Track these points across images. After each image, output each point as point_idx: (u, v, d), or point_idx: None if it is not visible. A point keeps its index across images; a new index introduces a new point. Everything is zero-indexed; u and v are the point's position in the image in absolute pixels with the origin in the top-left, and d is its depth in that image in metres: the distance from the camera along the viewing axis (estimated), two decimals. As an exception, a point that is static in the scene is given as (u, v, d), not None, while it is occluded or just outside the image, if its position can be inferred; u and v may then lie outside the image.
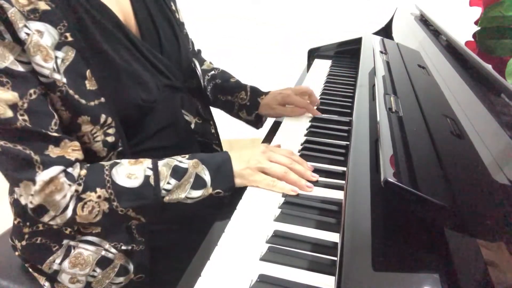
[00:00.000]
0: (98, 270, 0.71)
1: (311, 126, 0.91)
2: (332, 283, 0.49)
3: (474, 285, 0.38)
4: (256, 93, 0.98)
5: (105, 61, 0.65)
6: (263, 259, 0.53)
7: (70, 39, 0.61)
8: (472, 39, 0.91)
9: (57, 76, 0.59)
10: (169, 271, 0.78)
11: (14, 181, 0.60)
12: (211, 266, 0.53)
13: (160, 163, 0.66)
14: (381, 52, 1.00)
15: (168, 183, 0.64)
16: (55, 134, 0.60)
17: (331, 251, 0.54)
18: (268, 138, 0.88)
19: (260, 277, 0.50)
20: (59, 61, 0.60)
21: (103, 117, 0.64)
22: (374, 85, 0.83)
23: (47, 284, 0.76)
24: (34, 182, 0.59)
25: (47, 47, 0.58)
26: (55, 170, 0.60)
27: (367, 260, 0.42)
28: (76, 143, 0.63)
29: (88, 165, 0.65)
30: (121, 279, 0.73)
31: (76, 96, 0.61)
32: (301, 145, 0.83)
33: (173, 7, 0.84)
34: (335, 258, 0.52)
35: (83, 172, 0.63)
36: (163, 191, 0.64)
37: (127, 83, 0.68)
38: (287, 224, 0.60)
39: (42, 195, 0.59)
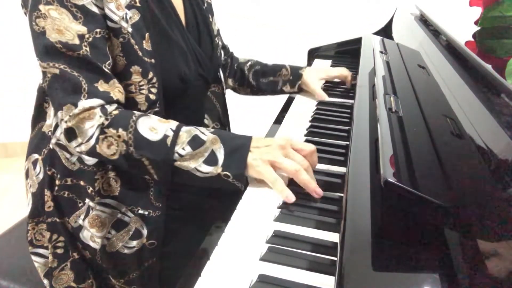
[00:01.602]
0: (113, 232, 0.76)
1: (311, 126, 0.91)
2: (332, 283, 0.49)
3: (474, 285, 0.38)
4: (296, 67, 1.11)
5: (161, 31, 0.76)
6: (263, 259, 0.53)
7: (138, 4, 0.72)
8: (472, 39, 0.91)
9: (124, 24, 0.70)
10: (180, 250, 0.81)
11: (59, 103, 0.66)
12: (211, 266, 0.53)
13: (184, 128, 0.68)
14: (381, 52, 1.00)
15: (183, 149, 0.66)
16: (108, 71, 0.68)
17: (331, 251, 0.54)
18: (268, 138, 0.88)
19: (260, 277, 0.50)
20: (128, 16, 0.70)
21: (151, 74, 0.73)
22: (374, 85, 0.83)
23: (46, 281, 0.77)
24: (76, 106, 0.65)
25: (121, 2, 0.69)
26: (96, 101, 0.66)
27: (367, 260, 0.42)
28: (121, 88, 0.71)
29: (123, 110, 0.69)
30: (134, 242, 0.76)
31: (136, 47, 0.71)
32: (301, 145, 0.83)
33: (210, 19, 0.94)
34: (335, 258, 0.52)
35: (116, 111, 0.68)
36: (176, 155, 0.66)
37: (176, 54, 0.78)
38: (287, 224, 0.60)
39: (77, 119, 0.66)
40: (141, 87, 0.73)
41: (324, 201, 0.65)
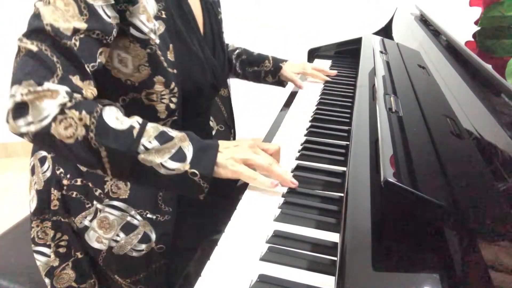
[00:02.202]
0: (121, 235, 0.75)
1: (311, 126, 0.91)
2: (332, 283, 0.49)
3: (474, 285, 0.38)
4: (278, 60, 1.21)
5: (183, 42, 0.78)
6: (263, 259, 0.53)
7: (163, 16, 0.73)
8: (472, 39, 0.91)
9: (152, 36, 0.71)
10: (186, 253, 0.81)
11: (19, 78, 0.59)
12: (211, 266, 0.53)
13: (150, 124, 0.65)
14: (381, 52, 1.00)
15: (149, 142, 0.62)
16: (88, 71, 0.64)
17: (331, 251, 0.54)
18: (268, 138, 0.89)
19: (260, 277, 0.50)
20: (155, 26, 0.72)
21: (173, 84, 0.75)
22: (374, 85, 0.83)
23: (47, 280, 0.77)
24: (40, 84, 0.58)
25: (148, 9, 0.70)
26: (64, 88, 0.60)
27: (367, 260, 0.42)
28: (95, 91, 0.65)
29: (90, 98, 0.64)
30: (142, 246, 0.76)
31: (162, 58, 0.72)
32: (301, 145, 0.83)
33: (222, 29, 0.97)
34: (335, 258, 0.52)
35: (81, 98, 0.62)
36: (141, 147, 0.61)
37: (195, 65, 0.80)
38: (287, 224, 0.60)
39: (35, 95, 0.58)
40: (163, 97, 0.74)
41: (324, 201, 0.65)
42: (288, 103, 1.09)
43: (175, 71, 0.74)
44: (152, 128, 0.64)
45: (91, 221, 0.75)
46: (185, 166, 0.62)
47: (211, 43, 0.88)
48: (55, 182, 0.77)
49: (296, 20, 2.20)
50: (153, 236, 0.76)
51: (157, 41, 0.71)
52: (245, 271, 0.52)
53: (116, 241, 0.75)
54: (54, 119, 0.59)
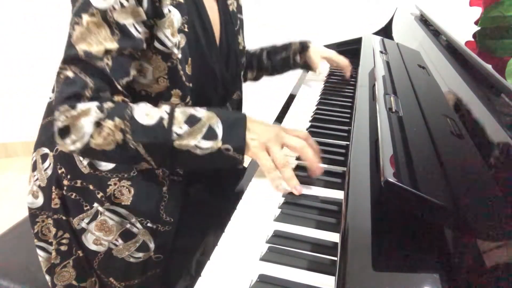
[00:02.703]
0: (120, 241, 0.75)
1: (311, 126, 0.91)
2: (332, 283, 0.49)
3: (474, 285, 0.38)
4: (303, 41, 1.19)
5: (202, 56, 0.78)
6: (263, 259, 0.53)
7: (186, 29, 0.74)
8: (472, 39, 0.91)
9: (175, 50, 0.72)
10: (182, 250, 0.81)
11: (59, 104, 0.65)
12: (211, 266, 0.53)
13: (178, 109, 0.68)
14: (381, 52, 1.00)
15: (180, 127, 0.65)
16: (119, 88, 0.68)
17: (331, 251, 0.54)
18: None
19: (260, 277, 0.50)
20: (178, 38, 0.73)
21: (188, 97, 0.76)
22: (374, 85, 0.83)
23: (47, 277, 0.78)
24: (74, 107, 0.64)
25: (173, 23, 0.71)
26: (94, 103, 0.65)
27: (367, 260, 0.42)
28: (127, 99, 0.70)
29: (118, 101, 0.68)
30: (140, 254, 0.76)
31: (181, 72, 0.73)
32: (301, 145, 0.83)
33: (239, 40, 0.95)
34: (335, 258, 0.52)
35: (111, 104, 0.66)
36: (174, 135, 0.65)
37: (210, 80, 0.81)
38: (287, 224, 0.60)
39: (73, 118, 0.64)
40: None
41: (324, 201, 0.65)
42: (288, 103, 1.09)
43: (191, 84, 0.75)
44: (181, 114, 0.67)
45: (88, 223, 0.75)
46: (218, 143, 0.66)
47: (225, 55, 0.88)
48: (55, 181, 0.77)
49: (296, 20, 2.20)
50: (152, 246, 0.76)
51: (179, 55, 0.72)
52: (245, 271, 0.52)
53: (115, 245, 0.75)
54: (92, 135, 0.65)
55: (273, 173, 0.67)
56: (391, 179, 0.45)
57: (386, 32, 1.48)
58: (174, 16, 0.71)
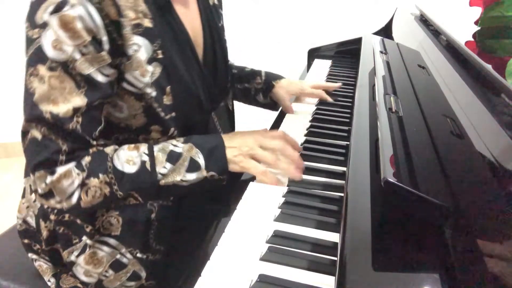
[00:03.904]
0: (110, 271, 0.73)
1: (311, 126, 0.91)
2: (332, 283, 0.49)
3: (474, 285, 0.38)
4: (270, 76, 1.05)
5: (180, 81, 0.72)
6: (263, 259, 0.53)
7: (160, 56, 0.67)
8: (472, 39, 0.91)
9: (148, 90, 0.66)
10: (177, 278, 0.79)
11: (32, 169, 0.63)
12: (211, 266, 0.53)
13: (156, 148, 0.67)
14: (381, 52, 1.00)
15: (164, 167, 0.66)
16: (93, 142, 0.65)
17: (331, 251, 0.54)
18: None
19: (260, 277, 0.50)
20: (149, 75, 0.66)
21: (171, 130, 0.71)
22: (374, 85, 0.83)
23: (52, 280, 0.77)
24: (52, 173, 0.62)
25: (142, 61, 0.64)
26: (72, 164, 0.63)
27: (367, 260, 0.42)
28: (99, 142, 0.67)
29: (94, 151, 0.66)
30: (132, 283, 0.75)
31: (158, 109, 0.68)
32: (301, 145, 0.83)
33: (224, 36, 0.89)
34: (335, 258, 0.52)
35: (88, 158, 0.65)
36: (159, 175, 0.66)
37: (193, 104, 0.75)
38: (287, 224, 0.60)
39: (53, 183, 0.62)
40: (160, 142, 0.71)
41: (324, 201, 0.65)
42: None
43: (173, 114, 0.70)
44: (161, 152, 0.67)
45: (77, 256, 0.73)
46: (203, 173, 0.67)
47: (212, 67, 0.82)
48: (43, 215, 0.75)
49: (296, 20, 2.20)
50: (143, 274, 0.75)
51: (153, 94, 0.67)
52: (245, 271, 0.52)
53: (106, 276, 0.73)
54: (79, 197, 0.64)
55: (267, 174, 0.69)
56: (391, 179, 0.45)
57: (386, 32, 1.48)
58: (140, 52, 0.64)
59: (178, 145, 0.68)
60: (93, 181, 0.63)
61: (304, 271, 0.51)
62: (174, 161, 0.66)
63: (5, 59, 2.21)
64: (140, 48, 0.64)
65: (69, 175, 0.62)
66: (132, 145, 0.68)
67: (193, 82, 0.75)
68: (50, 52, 0.58)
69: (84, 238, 0.72)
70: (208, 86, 0.79)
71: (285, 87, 1.03)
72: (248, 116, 1.74)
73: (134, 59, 0.63)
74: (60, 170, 0.62)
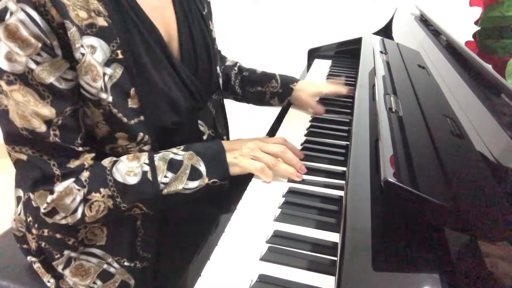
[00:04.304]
0: (98, 282, 0.72)
1: (311, 126, 0.91)
2: (332, 283, 0.49)
3: (474, 285, 0.38)
4: (286, 80, 1.01)
5: (148, 82, 0.66)
6: (263, 259, 0.53)
7: (120, 56, 0.62)
8: (472, 39, 0.91)
9: (103, 95, 0.61)
10: (172, 265, 0.79)
11: (30, 189, 0.62)
12: (211, 266, 0.53)
13: (156, 157, 0.67)
14: (381, 52, 1.00)
15: (165, 176, 0.65)
16: (80, 149, 0.63)
17: (331, 251, 0.54)
18: (268, 138, 0.88)
19: (260, 277, 0.50)
20: (106, 78, 0.61)
21: (140, 135, 0.67)
22: (374, 85, 0.83)
23: (52, 281, 0.76)
24: (52, 192, 0.61)
25: (97, 64, 0.59)
26: (70, 181, 0.62)
27: (367, 260, 0.42)
28: (93, 154, 0.66)
29: (92, 165, 0.65)
30: None
31: (119, 115, 0.63)
32: (301, 145, 0.83)
33: (211, 26, 0.83)
34: (335, 258, 0.52)
35: (87, 174, 0.64)
36: (161, 185, 0.65)
37: (164, 106, 0.69)
38: (287, 224, 0.60)
39: (54, 202, 0.62)
40: (129, 149, 0.68)
41: (324, 201, 0.65)
42: (288, 103, 1.09)
43: (142, 118, 0.65)
44: (161, 161, 0.66)
45: (63, 269, 0.72)
46: (205, 180, 0.67)
47: (193, 60, 0.76)
48: (27, 228, 0.75)
49: (296, 20, 2.20)
50: (132, 282, 0.74)
51: (110, 99, 0.61)
52: (245, 271, 0.52)
53: None
54: (84, 213, 0.64)
55: (265, 171, 0.69)
56: (391, 179, 0.45)
57: (386, 32, 1.48)
58: (94, 54, 0.59)
59: (179, 153, 0.68)
60: (95, 196, 0.63)
61: (304, 271, 0.51)
62: (175, 169, 0.66)
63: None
64: (95, 49, 0.59)
65: (70, 192, 0.62)
66: (131, 156, 0.67)
67: (163, 81, 0.68)
68: (4, 65, 0.55)
69: (67, 252, 0.71)
70: (187, 84, 0.73)
71: (305, 90, 0.99)
72: (247, 117, 1.74)
73: (83, 63, 0.58)
74: (60, 188, 0.61)
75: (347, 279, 0.40)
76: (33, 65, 0.55)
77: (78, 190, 0.63)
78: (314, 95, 0.99)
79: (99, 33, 0.59)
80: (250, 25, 2.21)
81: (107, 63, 0.61)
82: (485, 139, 0.54)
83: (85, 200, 0.63)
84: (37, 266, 0.78)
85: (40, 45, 0.55)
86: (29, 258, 0.79)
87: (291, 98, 1.01)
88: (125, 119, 0.64)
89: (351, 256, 0.43)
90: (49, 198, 0.61)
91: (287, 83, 1.00)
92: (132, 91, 0.64)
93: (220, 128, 0.93)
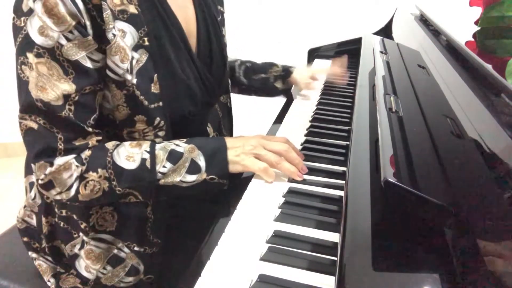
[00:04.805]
0: (108, 267, 0.73)
1: (311, 126, 0.91)
2: (332, 283, 0.49)
3: (474, 285, 0.38)
4: (286, 65, 1.14)
5: (170, 69, 0.70)
6: (263, 259, 0.53)
7: (146, 43, 0.66)
8: (472, 39, 0.91)
9: (128, 76, 0.64)
10: (176, 273, 0.79)
11: (33, 159, 0.63)
12: (211, 266, 0.53)
13: (158, 146, 0.67)
14: (381, 52, 1.00)
15: (164, 166, 0.66)
16: (89, 130, 0.64)
17: (331, 251, 0.54)
18: (268, 138, 0.88)
19: (260, 277, 0.50)
20: (134, 61, 0.65)
21: (157, 119, 0.69)
22: (374, 85, 0.83)
23: (52, 280, 0.77)
24: (51, 164, 0.63)
25: (126, 47, 0.63)
26: (71, 156, 0.64)
27: (367, 260, 0.42)
28: (100, 137, 0.67)
29: (96, 145, 0.66)
30: (130, 279, 0.75)
31: (141, 97, 0.66)
32: (301, 145, 0.83)
33: (223, 32, 0.89)
34: (335, 258, 0.52)
35: (89, 152, 0.65)
36: (159, 174, 0.66)
37: (182, 94, 0.73)
38: (287, 224, 0.60)
39: (53, 174, 0.63)
40: (146, 134, 0.70)
41: (324, 201, 0.65)
42: (288, 103, 1.09)
43: (160, 103, 0.68)
44: (162, 151, 0.67)
45: (80, 249, 0.73)
46: (203, 175, 0.67)
47: (207, 59, 0.81)
48: (45, 211, 0.75)
49: (296, 20, 2.20)
50: (141, 268, 0.75)
51: (134, 81, 0.65)
52: (245, 271, 0.52)
53: (103, 273, 0.74)
54: (77, 189, 0.64)
55: (268, 171, 0.69)
56: (391, 179, 0.45)
57: (386, 32, 1.48)
58: (124, 38, 0.63)
59: (180, 145, 0.68)
60: (92, 175, 0.64)
61: (304, 271, 0.51)
62: (175, 161, 0.66)
63: (4, 59, 2.21)
64: (125, 34, 0.63)
65: (69, 168, 0.63)
66: (134, 142, 0.68)
67: (183, 71, 0.73)
68: (37, 38, 0.58)
69: (81, 234, 0.72)
70: (202, 77, 0.78)
71: (302, 69, 1.12)
72: (248, 117, 1.74)
73: (113, 44, 0.62)
74: (60, 161, 0.62)
75: (347, 279, 0.40)
76: (63, 41, 0.58)
77: (77, 166, 0.63)
78: (308, 74, 1.12)
79: (130, 19, 0.64)
80: (251, 25, 2.21)
81: (135, 48, 0.65)
82: (485, 139, 0.54)
83: (81, 178, 0.64)
84: (37, 263, 0.78)
85: (74, 23, 0.58)
86: (30, 253, 0.79)
87: (290, 78, 1.11)
88: (146, 102, 0.67)
89: (351, 256, 0.43)
90: (48, 170, 0.62)
91: (287, 68, 1.12)
92: (155, 77, 0.67)
93: (225, 131, 0.95)
